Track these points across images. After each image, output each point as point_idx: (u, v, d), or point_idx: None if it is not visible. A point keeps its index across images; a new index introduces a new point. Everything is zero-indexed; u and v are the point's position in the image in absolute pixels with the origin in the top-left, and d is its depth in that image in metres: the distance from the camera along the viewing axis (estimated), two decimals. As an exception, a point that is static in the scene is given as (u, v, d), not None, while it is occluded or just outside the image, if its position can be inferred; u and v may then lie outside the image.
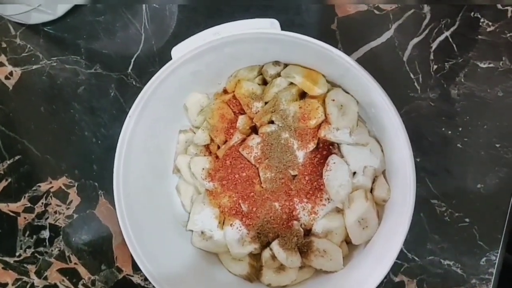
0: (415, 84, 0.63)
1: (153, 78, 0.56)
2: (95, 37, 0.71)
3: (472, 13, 0.62)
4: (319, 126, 0.59)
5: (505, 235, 0.61)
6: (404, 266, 0.64)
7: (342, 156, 0.59)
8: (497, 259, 0.62)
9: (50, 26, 0.72)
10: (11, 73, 0.73)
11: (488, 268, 0.62)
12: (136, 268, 0.71)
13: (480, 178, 0.62)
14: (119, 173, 0.58)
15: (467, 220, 0.62)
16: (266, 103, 0.61)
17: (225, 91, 0.65)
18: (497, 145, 0.61)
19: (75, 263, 0.72)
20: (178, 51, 0.56)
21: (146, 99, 0.57)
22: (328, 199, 0.60)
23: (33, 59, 0.72)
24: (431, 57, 0.63)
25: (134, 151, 0.59)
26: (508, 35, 0.61)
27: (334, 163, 0.59)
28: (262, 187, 0.61)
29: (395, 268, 0.64)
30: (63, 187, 0.72)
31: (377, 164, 0.59)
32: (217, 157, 0.63)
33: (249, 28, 0.54)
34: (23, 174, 0.73)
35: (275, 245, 0.60)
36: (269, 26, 0.55)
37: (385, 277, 0.52)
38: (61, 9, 0.70)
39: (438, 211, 0.63)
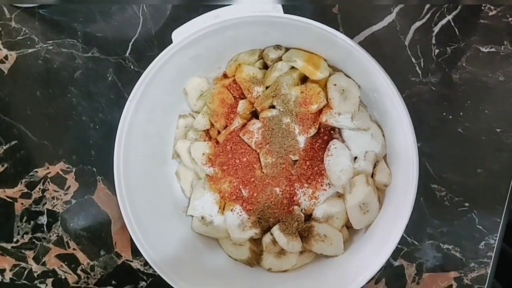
0: (417, 68, 0.63)
1: (153, 62, 0.55)
2: (91, 20, 0.70)
3: (475, -3, 0.62)
4: (320, 111, 0.59)
5: (504, 219, 0.62)
6: (404, 250, 0.64)
7: (343, 141, 0.59)
8: (496, 243, 0.62)
9: (45, 9, 0.71)
10: (6, 57, 0.71)
11: (487, 252, 0.62)
12: (135, 253, 0.70)
13: (480, 162, 0.62)
14: (119, 158, 0.57)
15: (466, 204, 0.63)
16: (267, 87, 0.61)
17: (225, 76, 0.64)
18: (498, 130, 0.61)
19: (74, 249, 0.72)
20: (179, 35, 0.55)
21: (146, 84, 0.56)
22: (329, 184, 0.60)
23: (28, 42, 0.71)
24: (433, 41, 0.62)
25: (134, 136, 0.58)
26: (510, 19, 0.61)
27: (335, 148, 0.58)
28: (263, 172, 0.61)
29: (395, 252, 0.63)
30: (60, 172, 0.71)
31: (378, 149, 0.59)
32: (217, 142, 0.63)
33: (252, 11, 0.53)
34: (20, 159, 0.72)
35: (276, 230, 0.60)
36: (271, 9, 0.54)
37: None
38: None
39: (438, 196, 0.63)
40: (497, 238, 0.62)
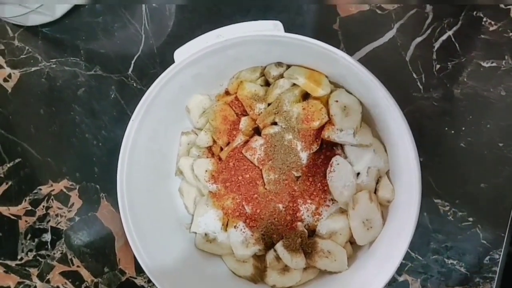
0: (418, 84, 0.63)
1: (156, 81, 0.55)
2: (94, 38, 0.71)
3: (475, 13, 0.62)
4: (322, 127, 0.59)
5: (508, 234, 0.62)
6: (408, 266, 0.64)
7: (345, 157, 0.59)
8: (501, 258, 0.62)
9: (48, 28, 0.72)
10: (9, 76, 0.72)
11: (492, 266, 0.62)
12: (139, 270, 0.70)
13: (483, 177, 0.62)
14: (123, 175, 0.57)
15: (470, 219, 0.62)
16: (269, 104, 0.61)
17: (227, 93, 0.64)
18: (500, 144, 0.61)
19: (78, 266, 0.72)
20: (181, 54, 0.56)
21: (148, 103, 0.56)
22: (332, 200, 0.60)
23: (31, 61, 0.72)
24: (434, 56, 0.63)
25: (137, 154, 0.58)
26: (511, 34, 0.61)
27: (338, 164, 0.58)
28: (266, 189, 0.61)
29: (399, 268, 0.63)
30: (64, 189, 0.72)
31: (381, 164, 0.59)
32: (220, 159, 0.63)
33: (253, 31, 0.54)
34: (24, 177, 0.72)
35: (279, 246, 0.60)
36: (272, 28, 0.54)
37: (389, 277, 0.53)
38: (60, 11, 0.70)
39: (442, 211, 0.63)
40: (502, 253, 0.62)
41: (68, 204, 0.72)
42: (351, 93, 0.59)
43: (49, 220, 0.72)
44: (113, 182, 0.57)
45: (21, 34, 0.72)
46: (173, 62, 0.55)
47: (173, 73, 0.55)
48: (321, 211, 0.60)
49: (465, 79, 0.62)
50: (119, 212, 0.57)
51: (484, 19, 0.61)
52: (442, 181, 0.63)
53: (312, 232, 0.61)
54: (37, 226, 0.72)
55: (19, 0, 0.65)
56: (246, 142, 0.62)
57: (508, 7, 0.61)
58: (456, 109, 0.62)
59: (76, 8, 0.70)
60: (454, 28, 0.62)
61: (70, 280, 0.72)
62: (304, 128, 0.59)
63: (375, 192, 0.59)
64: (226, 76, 0.63)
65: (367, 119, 0.60)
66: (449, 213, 0.63)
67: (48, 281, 0.72)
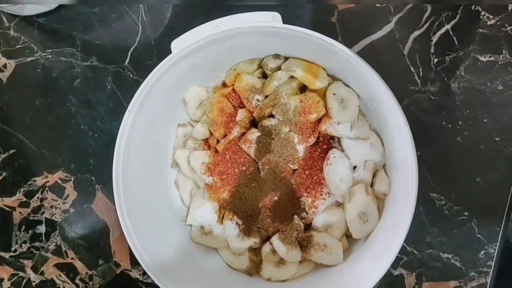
0: (416, 77, 0.63)
1: (153, 72, 0.55)
2: (90, 29, 0.70)
3: (473, 6, 0.62)
4: (319, 120, 0.59)
5: (503, 228, 0.62)
6: (403, 259, 0.64)
7: (342, 150, 0.59)
8: (496, 252, 0.62)
9: (44, 18, 0.71)
10: (5, 66, 0.71)
11: (487, 261, 0.62)
12: (134, 262, 0.70)
13: (479, 171, 0.62)
14: (118, 167, 0.57)
15: (466, 213, 0.63)
16: (266, 96, 0.61)
17: (224, 85, 0.64)
18: (497, 139, 0.61)
19: (72, 258, 0.71)
20: (178, 45, 0.55)
21: (145, 94, 0.56)
22: (328, 193, 0.59)
23: (27, 51, 0.71)
24: (432, 50, 0.63)
25: (133, 146, 0.58)
26: (509, 28, 0.61)
27: (335, 157, 0.58)
28: (262, 182, 0.60)
29: (394, 261, 0.63)
30: (59, 181, 0.71)
31: (377, 158, 0.59)
32: (216, 151, 0.63)
33: (251, 22, 0.53)
34: (18, 168, 0.72)
35: (275, 239, 0.60)
36: (271, 19, 0.54)
37: (384, 270, 0.53)
38: (56, 1, 0.69)
39: (438, 205, 0.63)
40: (497, 247, 0.62)
41: (63, 195, 0.71)
42: (348, 86, 0.58)
43: (44, 212, 0.71)
44: (108, 174, 0.57)
45: (17, 24, 0.71)
46: (170, 53, 0.55)
47: (169, 64, 0.55)
48: (317, 204, 0.60)
49: (462, 73, 0.62)
50: (114, 204, 0.57)
51: (482, 13, 0.61)
52: (438, 175, 0.63)
53: (308, 225, 0.61)
54: (31, 218, 0.72)
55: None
56: (243, 134, 0.61)
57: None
58: (453, 103, 0.62)
59: (72, -2, 0.70)
60: (452, 22, 0.62)
61: (64, 272, 0.71)
62: (301, 121, 0.59)
63: (371, 186, 0.59)
64: (224, 68, 0.63)
65: (365, 112, 0.60)
66: (445, 207, 0.63)
67: (42, 273, 0.72)
